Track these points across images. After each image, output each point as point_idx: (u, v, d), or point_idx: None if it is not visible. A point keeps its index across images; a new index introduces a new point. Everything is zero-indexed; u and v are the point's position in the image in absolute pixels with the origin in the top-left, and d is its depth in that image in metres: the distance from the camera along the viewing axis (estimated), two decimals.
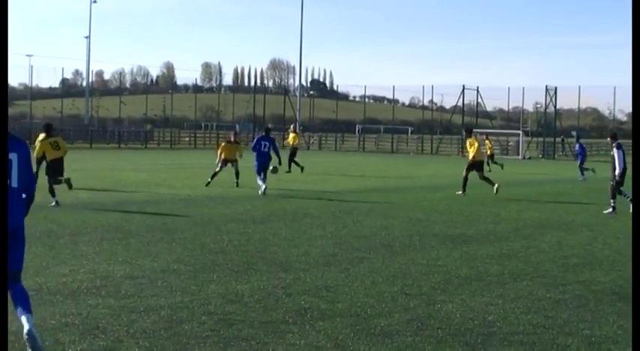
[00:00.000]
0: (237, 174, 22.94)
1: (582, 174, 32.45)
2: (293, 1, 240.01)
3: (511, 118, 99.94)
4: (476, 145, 22.08)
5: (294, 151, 32.33)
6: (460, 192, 21.47)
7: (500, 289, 8.94)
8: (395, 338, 6.77)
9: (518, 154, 60.70)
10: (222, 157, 23.15)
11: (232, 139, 23.92)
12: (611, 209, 17.77)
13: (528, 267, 10.49)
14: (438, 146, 67.09)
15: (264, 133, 22.45)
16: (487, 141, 39.11)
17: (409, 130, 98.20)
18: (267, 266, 9.97)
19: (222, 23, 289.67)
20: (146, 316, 7.23)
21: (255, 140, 22.36)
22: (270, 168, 21.59)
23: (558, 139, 66.50)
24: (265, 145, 21.45)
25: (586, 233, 14.23)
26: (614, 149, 18.06)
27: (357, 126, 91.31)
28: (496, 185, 21.55)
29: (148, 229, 13.17)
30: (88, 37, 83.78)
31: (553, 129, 66.00)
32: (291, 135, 34.47)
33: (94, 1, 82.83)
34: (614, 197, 17.93)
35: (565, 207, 18.90)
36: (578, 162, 33.44)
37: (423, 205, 18.74)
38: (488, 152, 38.22)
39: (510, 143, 66.11)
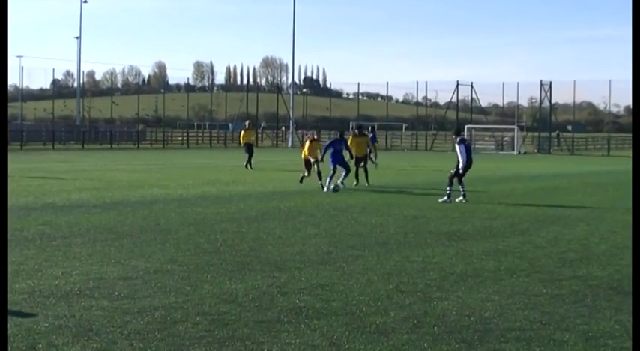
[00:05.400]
0: (319, 174, 22.07)
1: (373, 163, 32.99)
2: None
3: (506, 114, 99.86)
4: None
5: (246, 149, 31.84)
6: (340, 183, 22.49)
7: (496, 286, 8.90)
8: (391, 336, 6.72)
9: (513, 150, 60.77)
10: (307, 155, 22.80)
11: (315, 137, 23.73)
12: (446, 197, 18.25)
13: (524, 262, 10.45)
14: (432, 142, 67.08)
15: (338, 137, 23.00)
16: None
17: (403, 127, 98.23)
18: (262, 265, 9.92)
19: (214, 22, 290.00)
20: (140, 317, 7.17)
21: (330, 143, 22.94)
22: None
23: (554, 134, 66.57)
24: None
25: (582, 228, 14.20)
26: (456, 145, 18.87)
27: (350, 123, 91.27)
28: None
29: (141, 229, 13.10)
30: (79, 38, 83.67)
31: (548, 124, 66.07)
32: (242, 133, 34.07)
33: (85, 1, 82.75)
34: (450, 185, 18.52)
35: (561, 202, 18.87)
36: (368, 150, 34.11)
37: (418, 201, 18.70)
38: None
39: (505, 138, 66.23)
